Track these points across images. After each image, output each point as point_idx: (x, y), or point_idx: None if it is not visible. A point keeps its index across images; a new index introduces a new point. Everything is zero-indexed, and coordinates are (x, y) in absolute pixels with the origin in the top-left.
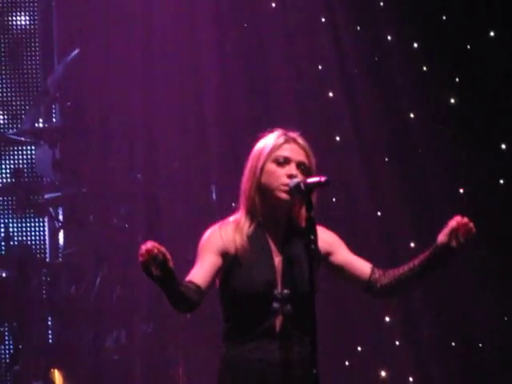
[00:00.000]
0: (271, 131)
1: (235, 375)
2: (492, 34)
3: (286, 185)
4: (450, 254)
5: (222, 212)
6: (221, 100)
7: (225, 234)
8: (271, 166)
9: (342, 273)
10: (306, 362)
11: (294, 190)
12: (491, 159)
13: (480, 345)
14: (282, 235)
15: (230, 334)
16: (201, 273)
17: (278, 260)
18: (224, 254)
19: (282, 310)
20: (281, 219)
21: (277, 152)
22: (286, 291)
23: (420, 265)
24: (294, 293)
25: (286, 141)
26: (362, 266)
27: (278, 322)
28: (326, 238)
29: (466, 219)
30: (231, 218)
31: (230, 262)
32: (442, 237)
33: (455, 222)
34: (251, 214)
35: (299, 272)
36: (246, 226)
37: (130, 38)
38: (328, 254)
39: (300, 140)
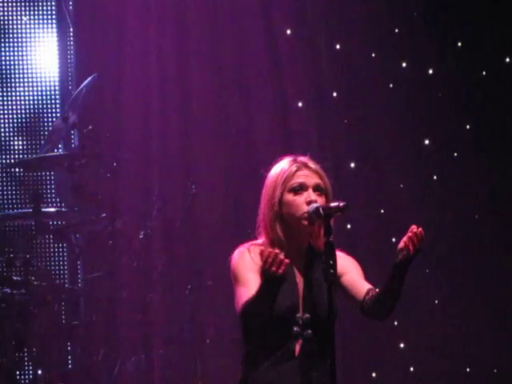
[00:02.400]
0: (281, 158)
1: None
2: (508, 60)
3: (307, 212)
4: (407, 259)
5: (237, 236)
6: (236, 114)
7: (254, 256)
8: (289, 197)
9: (345, 293)
10: None
11: (313, 215)
12: (506, 186)
13: (495, 371)
14: (303, 260)
15: (250, 357)
16: None
17: (300, 285)
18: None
19: (303, 334)
20: (303, 245)
21: (292, 181)
22: (306, 315)
23: (388, 280)
24: (314, 317)
25: (299, 168)
26: (362, 287)
27: (298, 345)
28: (343, 262)
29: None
30: (256, 242)
31: None
32: (400, 245)
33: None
34: (276, 242)
35: (320, 297)
36: None
37: (146, 64)
38: (339, 276)
39: (311, 164)
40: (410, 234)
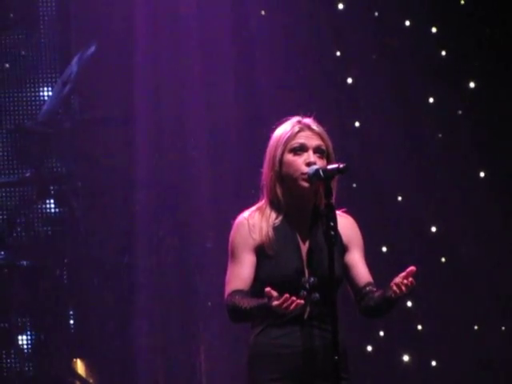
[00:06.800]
0: (287, 119)
1: (263, 362)
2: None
3: (306, 173)
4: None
5: (241, 199)
6: (239, 87)
7: (252, 226)
8: (289, 157)
9: (344, 270)
10: (329, 348)
11: (313, 177)
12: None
13: (503, 328)
14: (307, 223)
15: (259, 321)
16: (247, 278)
17: (304, 248)
18: (256, 249)
19: (310, 297)
20: (306, 207)
21: (292, 141)
22: (312, 279)
23: (379, 303)
24: (320, 280)
25: (301, 129)
26: (361, 277)
27: (306, 309)
28: (347, 232)
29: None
30: (256, 207)
31: (259, 252)
32: (395, 281)
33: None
34: (275, 204)
35: (325, 259)
36: (273, 217)
37: (153, 32)
38: (344, 248)
39: (314, 125)
40: (406, 281)
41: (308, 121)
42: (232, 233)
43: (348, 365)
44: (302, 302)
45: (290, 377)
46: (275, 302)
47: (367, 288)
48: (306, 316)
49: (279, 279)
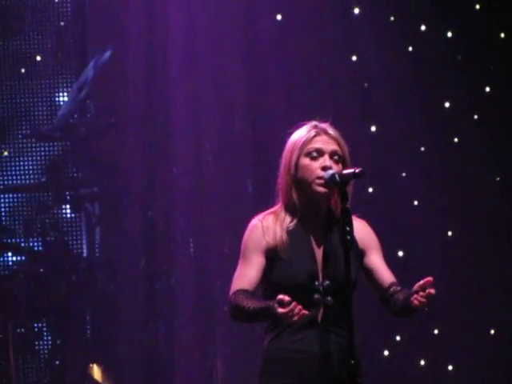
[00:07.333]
0: (303, 123)
1: (277, 366)
2: None
3: (321, 177)
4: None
5: (257, 204)
6: (254, 92)
7: (266, 229)
8: (305, 161)
9: (366, 275)
10: (344, 353)
11: (329, 182)
12: None
13: None
14: (322, 227)
15: (273, 326)
16: (254, 279)
17: (318, 252)
18: (267, 252)
19: (324, 301)
20: (320, 211)
21: (308, 146)
22: (326, 282)
23: (403, 303)
24: (334, 284)
25: (317, 133)
26: (384, 279)
27: (320, 313)
28: (363, 237)
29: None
30: (271, 210)
31: (271, 255)
32: (414, 291)
33: (418, 286)
34: (290, 208)
35: (339, 263)
36: (287, 221)
37: (168, 37)
38: (361, 253)
39: (331, 130)
40: (424, 293)
41: (324, 125)
42: (245, 234)
43: (362, 370)
44: (307, 312)
45: (303, 382)
46: (280, 310)
47: (391, 289)
48: (319, 319)
49: (292, 282)
